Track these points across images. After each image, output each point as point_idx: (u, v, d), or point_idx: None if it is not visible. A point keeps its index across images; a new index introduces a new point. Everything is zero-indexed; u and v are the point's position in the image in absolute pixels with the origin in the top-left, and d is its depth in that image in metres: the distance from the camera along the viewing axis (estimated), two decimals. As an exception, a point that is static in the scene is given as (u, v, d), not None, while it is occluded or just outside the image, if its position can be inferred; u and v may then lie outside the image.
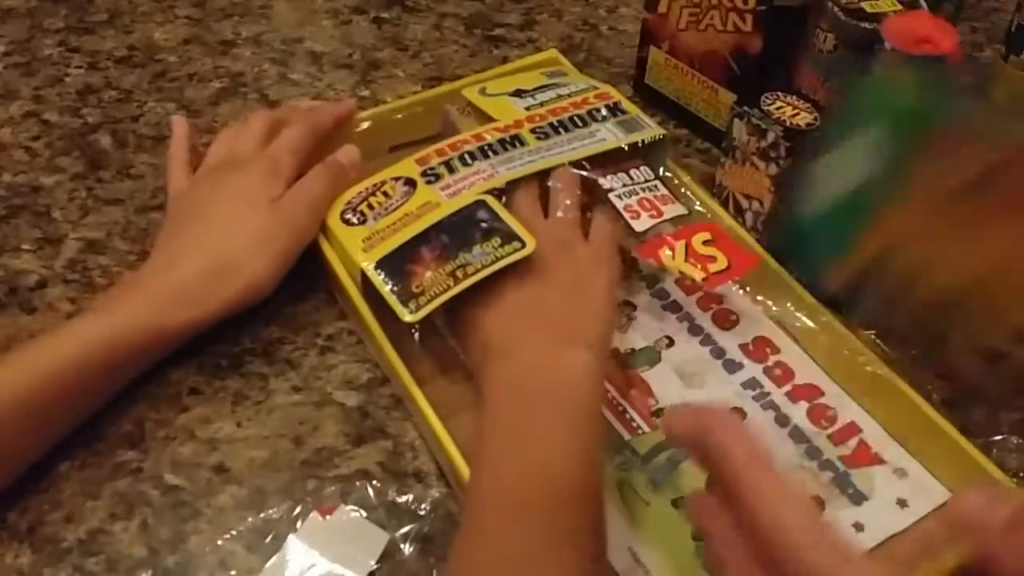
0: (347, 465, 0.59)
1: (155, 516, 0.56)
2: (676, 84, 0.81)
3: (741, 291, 0.67)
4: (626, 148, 0.67)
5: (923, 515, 0.57)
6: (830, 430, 0.60)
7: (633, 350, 0.64)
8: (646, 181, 0.67)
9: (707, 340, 0.65)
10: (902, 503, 0.57)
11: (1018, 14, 0.73)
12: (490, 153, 0.66)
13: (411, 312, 0.57)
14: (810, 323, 0.64)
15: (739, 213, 0.70)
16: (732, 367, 0.63)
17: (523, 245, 0.59)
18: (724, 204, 0.71)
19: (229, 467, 0.59)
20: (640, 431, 0.60)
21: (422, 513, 0.56)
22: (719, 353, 0.64)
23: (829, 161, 0.55)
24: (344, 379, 0.63)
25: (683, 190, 0.70)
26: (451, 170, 0.65)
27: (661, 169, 0.69)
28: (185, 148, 0.71)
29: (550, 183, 0.64)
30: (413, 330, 0.59)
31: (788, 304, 0.66)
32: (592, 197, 0.65)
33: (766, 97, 0.68)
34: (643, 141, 0.68)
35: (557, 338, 0.55)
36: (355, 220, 0.64)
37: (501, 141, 0.67)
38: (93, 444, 0.59)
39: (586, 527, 0.49)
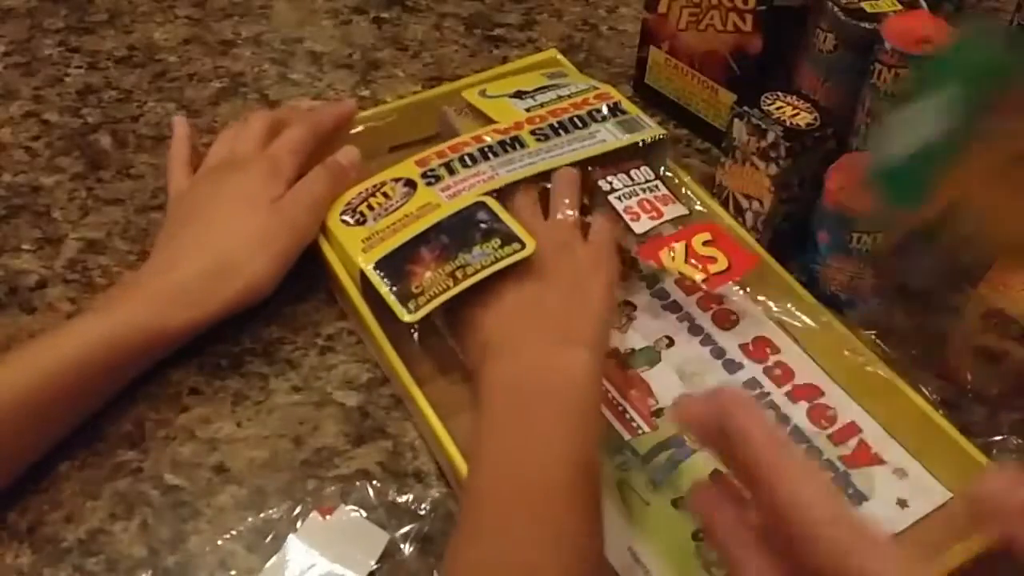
0: (347, 465, 0.59)
1: (155, 516, 0.56)
2: (676, 84, 0.81)
3: (741, 291, 0.67)
4: (626, 148, 0.67)
5: (923, 515, 0.57)
6: (830, 430, 0.60)
7: (633, 350, 0.64)
8: (647, 181, 0.67)
9: (707, 340, 0.65)
10: (902, 503, 0.57)
11: (1018, 14, 0.73)
12: (490, 155, 0.66)
13: (410, 312, 0.57)
14: (810, 323, 0.64)
15: (739, 213, 0.70)
16: (732, 367, 0.63)
17: (523, 246, 0.59)
18: (724, 204, 0.71)
19: (229, 467, 0.59)
20: (640, 431, 0.60)
21: (422, 513, 0.56)
22: (719, 353, 0.64)
23: (907, 114, 0.55)
24: (344, 379, 0.63)
25: (683, 190, 0.70)
26: (451, 172, 0.65)
27: (661, 169, 0.69)
28: (186, 148, 0.71)
29: (550, 185, 0.65)
30: (412, 330, 0.59)
31: (788, 304, 0.66)
32: (591, 198, 0.65)
33: (766, 97, 0.68)
34: (643, 141, 0.68)
35: (556, 338, 0.55)
36: (355, 221, 0.64)
37: (501, 143, 0.67)
38: (93, 444, 0.59)
39: (584, 526, 0.49)
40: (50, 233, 0.72)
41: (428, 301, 0.57)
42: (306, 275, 0.66)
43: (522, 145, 0.67)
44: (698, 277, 0.62)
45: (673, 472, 0.57)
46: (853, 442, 0.60)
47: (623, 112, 0.70)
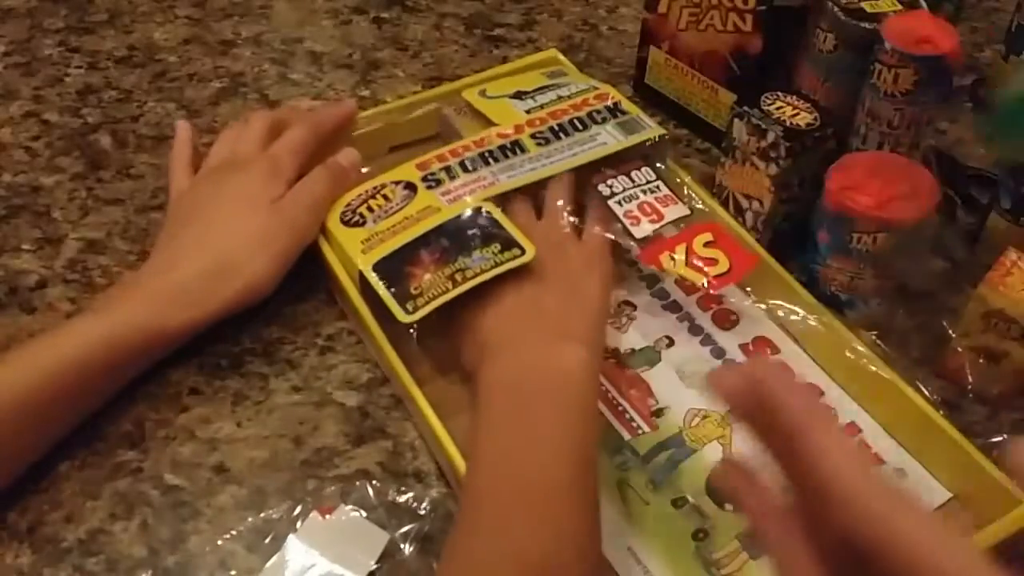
0: (347, 465, 0.59)
1: (155, 516, 0.56)
2: (676, 84, 0.81)
3: (741, 291, 0.67)
4: (626, 149, 0.67)
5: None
6: (830, 430, 0.60)
7: (633, 350, 0.64)
8: (647, 183, 0.67)
9: (707, 340, 0.65)
10: (902, 503, 0.57)
11: (1018, 14, 0.74)
12: (491, 160, 0.66)
13: (408, 313, 0.57)
14: (810, 323, 0.64)
15: (739, 213, 0.70)
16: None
17: (523, 252, 0.59)
18: (724, 204, 0.71)
19: (229, 467, 0.59)
20: (640, 431, 0.60)
21: (422, 513, 0.56)
22: (719, 353, 0.64)
23: None
24: (344, 379, 0.63)
25: (684, 190, 0.70)
26: (452, 176, 0.65)
27: (662, 169, 0.69)
28: (189, 150, 0.71)
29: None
30: (411, 330, 0.59)
31: (788, 304, 0.65)
32: (586, 198, 0.65)
33: (766, 97, 0.68)
34: (643, 142, 0.68)
35: (554, 337, 0.55)
36: (354, 222, 0.64)
37: (502, 148, 0.67)
38: (93, 444, 0.59)
39: (583, 524, 0.49)
40: (50, 233, 0.72)
41: (427, 303, 0.57)
42: (306, 275, 0.66)
43: (523, 149, 0.67)
44: (701, 282, 0.62)
45: (673, 472, 0.57)
46: (853, 442, 0.60)
47: (623, 112, 0.70)
